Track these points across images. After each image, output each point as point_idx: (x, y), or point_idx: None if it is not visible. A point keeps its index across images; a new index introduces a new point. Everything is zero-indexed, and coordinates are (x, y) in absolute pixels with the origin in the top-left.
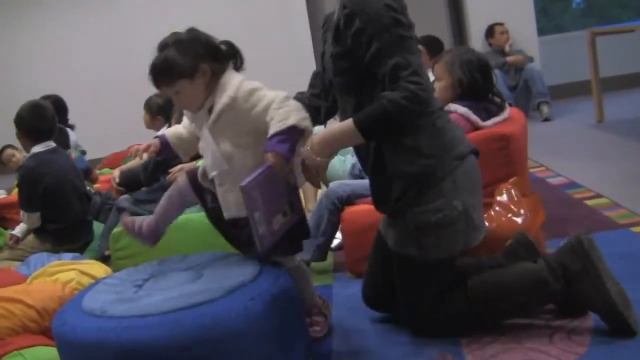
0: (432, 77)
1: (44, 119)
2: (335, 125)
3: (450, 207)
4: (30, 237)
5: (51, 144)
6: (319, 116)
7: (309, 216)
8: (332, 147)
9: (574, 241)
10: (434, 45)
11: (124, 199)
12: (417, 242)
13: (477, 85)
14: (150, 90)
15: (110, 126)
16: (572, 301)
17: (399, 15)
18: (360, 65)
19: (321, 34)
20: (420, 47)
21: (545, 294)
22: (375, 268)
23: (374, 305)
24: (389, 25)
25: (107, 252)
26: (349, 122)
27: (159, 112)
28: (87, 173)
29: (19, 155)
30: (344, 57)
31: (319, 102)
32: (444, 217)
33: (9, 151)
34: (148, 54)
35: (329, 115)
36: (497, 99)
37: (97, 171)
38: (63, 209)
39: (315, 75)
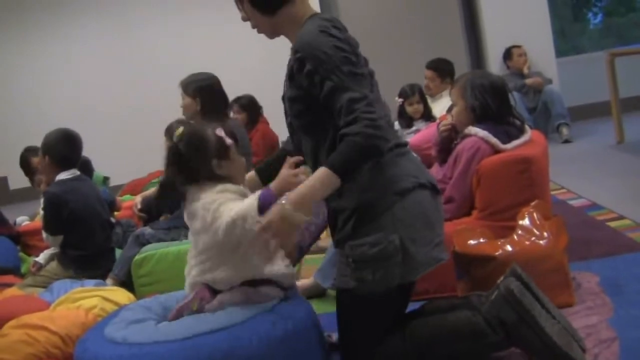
0: (449, 101)
1: (75, 147)
2: (308, 180)
3: (387, 241)
4: (53, 263)
5: (76, 172)
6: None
7: (329, 241)
8: (311, 199)
9: (505, 291)
10: (442, 68)
11: (145, 230)
12: (355, 276)
13: (489, 109)
14: (170, 116)
15: (130, 153)
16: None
17: (348, 55)
18: (315, 107)
19: None
20: (428, 72)
21: (484, 345)
22: None
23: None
24: (339, 64)
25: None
26: (322, 170)
27: None
28: (112, 205)
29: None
30: (298, 100)
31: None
32: (380, 251)
33: (40, 176)
34: (167, 81)
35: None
36: (518, 122)
37: (119, 198)
38: (86, 236)
39: None
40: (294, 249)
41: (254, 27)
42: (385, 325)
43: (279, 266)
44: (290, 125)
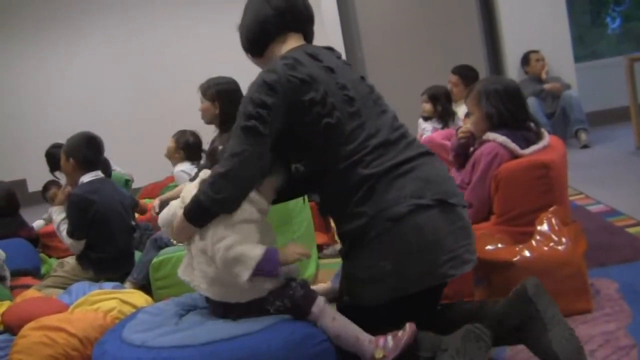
0: (465, 109)
1: (98, 149)
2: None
3: (378, 266)
4: (73, 264)
5: (99, 174)
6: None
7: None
8: (181, 234)
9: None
10: (467, 75)
11: (163, 234)
12: (348, 290)
13: (506, 116)
14: (187, 120)
15: (148, 156)
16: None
17: (252, 108)
18: (290, 140)
19: None
20: (453, 77)
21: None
22: None
23: None
24: (240, 113)
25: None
26: (181, 214)
27: (185, 147)
28: (136, 207)
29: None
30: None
31: None
32: (371, 275)
33: (54, 189)
34: (185, 85)
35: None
36: (533, 125)
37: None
38: (107, 239)
39: None
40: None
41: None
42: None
43: None
44: None
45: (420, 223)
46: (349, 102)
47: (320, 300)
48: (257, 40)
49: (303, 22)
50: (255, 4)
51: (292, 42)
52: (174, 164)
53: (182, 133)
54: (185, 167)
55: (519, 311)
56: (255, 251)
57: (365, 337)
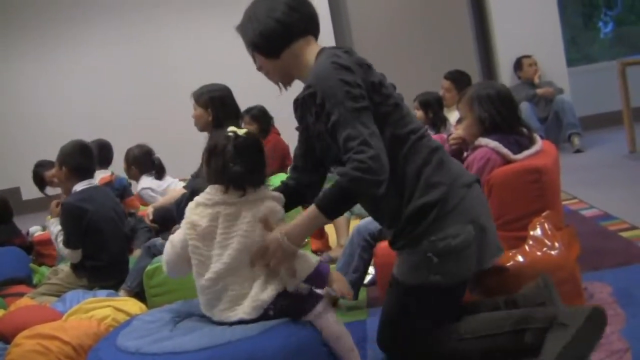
0: (457, 115)
1: (90, 157)
2: (301, 214)
3: (466, 231)
4: (68, 271)
5: (93, 182)
6: (304, 196)
7: (340, 251)
8: (304, 235)
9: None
10: (460, 80)
11: (157, 241)
12: (438, 269)
13: (498, 120)
14: (182, 128)
15: None
16: None
17: (352, 89)
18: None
19: (298, 117)
20: (446, 82)
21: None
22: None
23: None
24: (342, 99)
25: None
26: (312, 208)
27: (134, 162)
28: (125, 194)
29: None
30: (324, 134)
31: (303, 179)
32: (462, 242)
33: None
34: (187, 88)
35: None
36: (525, 130)
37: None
38: (101, 247)
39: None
40: (291, 274)
41: (266, 74)
42: (450, 315)
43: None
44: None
45: (480, 193)
46: (394, 88)
47: (324, 300)
48: (277, 39)
49: (317, 30)
50: (269, 4)
51: (315, 46)
52: (137, 180)
53: (127, 151)
54: (145, 184)
55: (532, 296)
56: (312, 260)
57: (357, 354)
